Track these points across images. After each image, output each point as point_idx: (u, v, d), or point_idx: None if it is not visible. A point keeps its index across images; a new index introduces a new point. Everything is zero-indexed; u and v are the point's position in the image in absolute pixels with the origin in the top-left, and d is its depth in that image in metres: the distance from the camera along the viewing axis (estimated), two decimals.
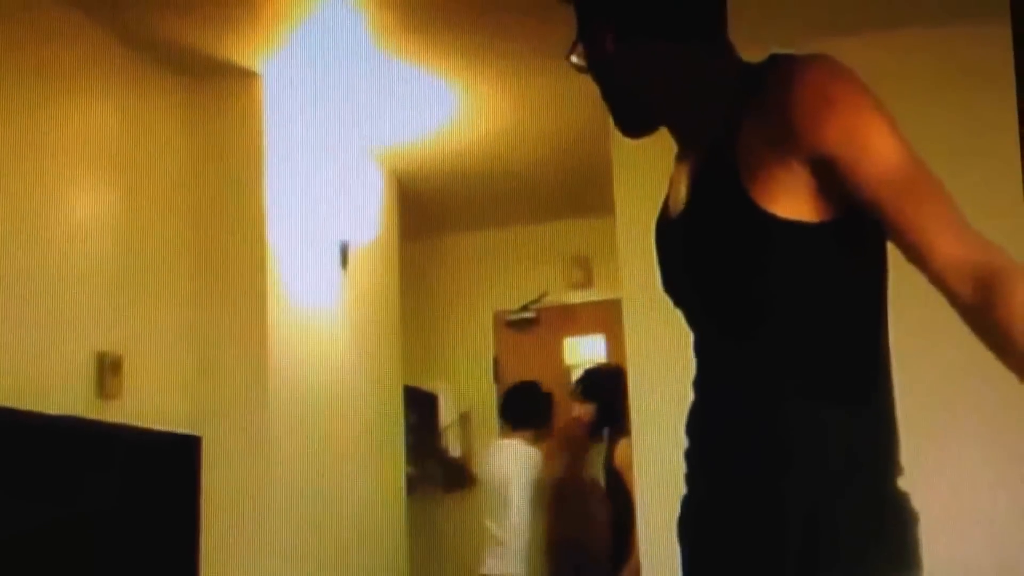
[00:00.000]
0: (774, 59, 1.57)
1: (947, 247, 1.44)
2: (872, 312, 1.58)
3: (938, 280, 1.45)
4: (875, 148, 1.47)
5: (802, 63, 1.51)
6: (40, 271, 3.81)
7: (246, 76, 4.67)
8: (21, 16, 3.81)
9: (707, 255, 1.60)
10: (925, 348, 3.42)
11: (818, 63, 1.51)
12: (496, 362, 7.02)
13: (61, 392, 3.83)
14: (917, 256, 1.45)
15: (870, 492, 1.51)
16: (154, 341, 4.38)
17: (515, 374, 6.78)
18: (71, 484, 3.57)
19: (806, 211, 1.50)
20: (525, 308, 6.99)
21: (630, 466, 4.51)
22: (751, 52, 1.64)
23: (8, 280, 3.65)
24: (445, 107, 5.25)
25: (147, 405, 4.24)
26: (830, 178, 1.48)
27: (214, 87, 4.68)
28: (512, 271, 6.99)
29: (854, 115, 1.47)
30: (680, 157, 1.72)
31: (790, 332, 1.54)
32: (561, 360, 6.92)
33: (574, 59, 1.74)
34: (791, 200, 1.49)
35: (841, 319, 1.54)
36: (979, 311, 1.43)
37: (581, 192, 6.13)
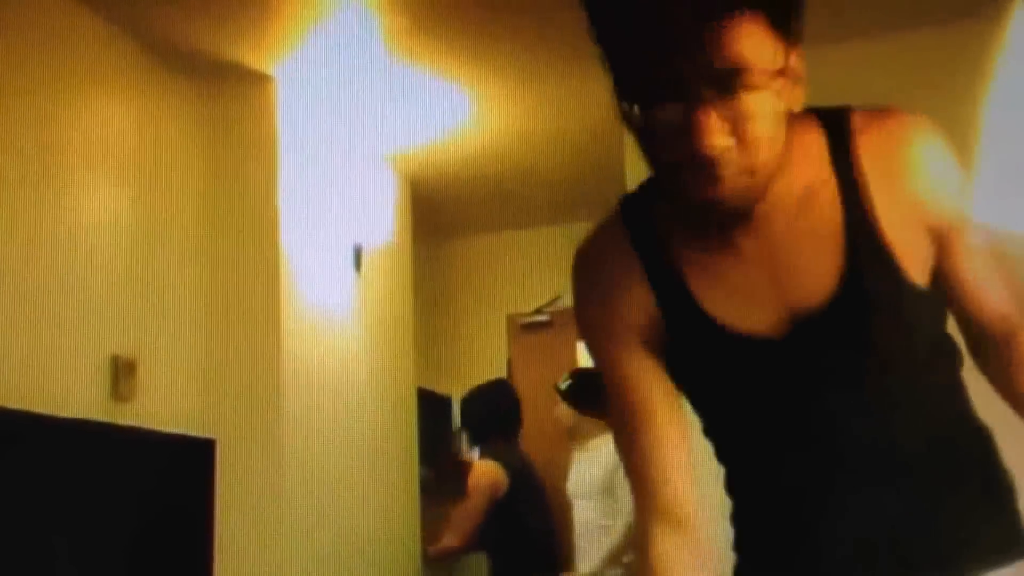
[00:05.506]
0: (858, 114, 1.48)
1: (991, 301, 1.48)
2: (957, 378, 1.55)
3: (980, 330, 1.49)
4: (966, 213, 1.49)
5: (910, 126, 1.46)
6: (54, 274, 3.82)
7: (260, 79, 4.68)
8: (35, 18, 3.82)
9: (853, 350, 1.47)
10: None
11: (923, 126, 1.47)
12: (510, 365, 7.01)
13: (75, 395, 3.83)
14: (965, 310, 1.49)
15: None
16: (168, 344, 4.39)
17: (529, 377, 6.77)
18: (85, 487, 3.58)
19: (925, 278, 1.47)
20: (539, 311, 6.98)
21: None
22: None
23: (22, 283, 3.66)
24: (458, 110, 5.25)
25: (161, 408, 4.24)
26: (937, 245, 1.47)
27: (228, 90, 4.69)
28: (525, 274, 6.98)
29: (960, 185, 1.49)
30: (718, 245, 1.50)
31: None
32: (575, 363, 6.90)
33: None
34: (921, 269, 1.46)
35: (937, 384, 1.52)
36: (998, 364, 1.49)
37: (594, 194, 6.11)
